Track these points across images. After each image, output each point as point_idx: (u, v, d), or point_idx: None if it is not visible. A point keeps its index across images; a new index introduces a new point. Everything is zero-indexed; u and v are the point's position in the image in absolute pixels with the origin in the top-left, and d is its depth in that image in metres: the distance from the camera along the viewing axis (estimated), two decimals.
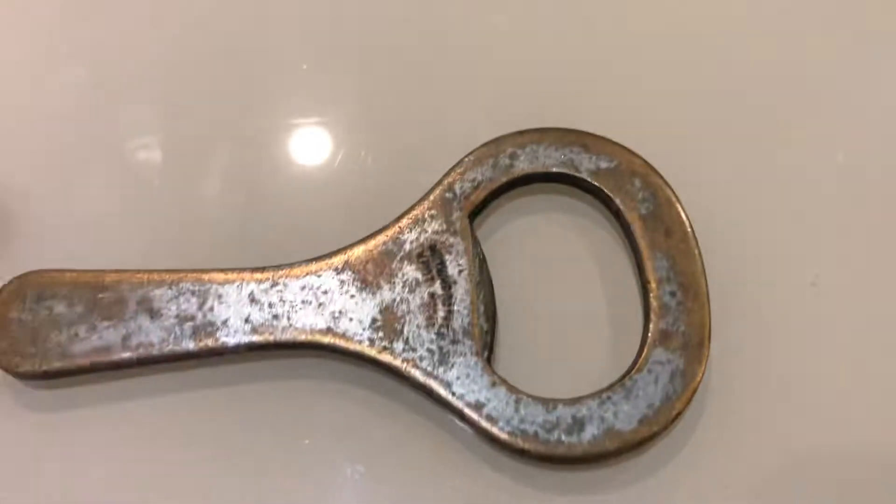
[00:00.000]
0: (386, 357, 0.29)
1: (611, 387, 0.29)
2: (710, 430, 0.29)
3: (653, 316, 0.30)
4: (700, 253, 0.30)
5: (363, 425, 0.30)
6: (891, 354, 0.31)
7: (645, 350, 0.29)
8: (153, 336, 0.29)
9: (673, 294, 0.30)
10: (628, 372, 0.29)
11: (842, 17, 0.34)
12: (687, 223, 0.31)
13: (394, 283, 0.30)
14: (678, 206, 0.31)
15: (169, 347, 0.29)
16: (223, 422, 0.30)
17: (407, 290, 0.30)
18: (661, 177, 0.31)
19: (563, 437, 0.28)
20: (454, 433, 0.30)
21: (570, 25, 0.35)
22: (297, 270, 0.30)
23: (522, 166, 0.31)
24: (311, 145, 0.33)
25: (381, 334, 0.30)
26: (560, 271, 0.31)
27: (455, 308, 0.30)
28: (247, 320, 0.30)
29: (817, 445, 0.29)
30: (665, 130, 0.33)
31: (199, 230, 0.32)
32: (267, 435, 0.30)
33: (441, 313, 0.30)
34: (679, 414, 0.29)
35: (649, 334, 0.29)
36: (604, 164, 0.31)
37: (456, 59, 0.34)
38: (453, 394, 0.29)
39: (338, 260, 0.31)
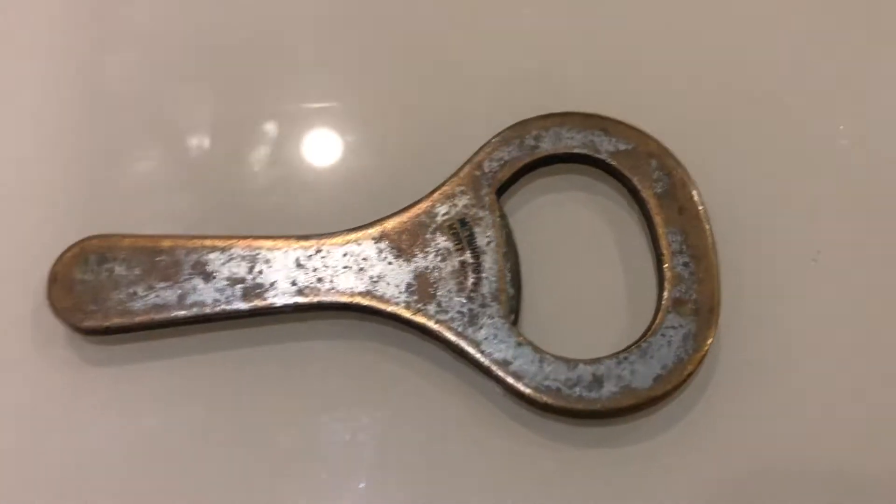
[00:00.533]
0: (420, 318, 0.32)
1: (628, 348, 0.31)
2: (720, 391, 0.32)
3: (667, 285, 0.32)
4: (711, 229, 0.33)
5: (397, 382, 0.32)
6: (886, 327, 0.33)
7: (659, 315, 0.32)
8: (206, 296, 0.32)
9: (686, 265, 0.32)
10: (644, 335, 0.32)
11: (847, 12, 0.37)
12: (699, 201, 0.33)
13: (427, 252, 0.33)
14: (691, 185, 0.33)
15: (221, 307, 0.32)
16: (269, 377, 0.32)
17: (439, 258, 0.33)
18: (676, 158, 0.34)
19: (584, 393, 0.31)
20: (482, 391, 0.32)
21: (593, 15, 0.37)
22: (338, 239, 0.33)
23: (546, 147, 0.34)
24: (348, 125, 0.36)
25: (415, 297, 0.32)
26: (580, 244, 0.34)
27: (484, 275, 0.32)
28: (293, 283, 0.32)
29: (818, 406, 0.32)
30: (680, 115, 0.35)
31: (246, 201, 0.35)
32: (309, 390, 0.32)
33: (471, 280, 0.32)
34: (690, 374, 0.31)
35: (663, 301, 0.32)
36: (622, 146, 0.34)
37: (484, 46, 0.37)
38: (482, 352, 0.31)
39: (375, 230, 0.33)
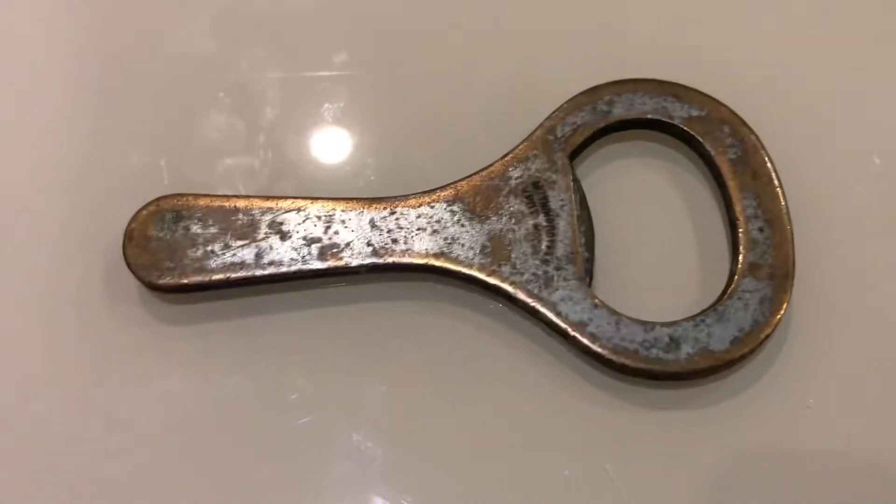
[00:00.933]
0: (495, 280, 0.32)
1: (704, 311, 0.31)
2: (794, 354, 0.32)
3: (742, 249, 0.32)
4: (784, 194, 0.33)
5: (472, 344, 0.32)
6: None
7: (736, 279, 0.32)
8: (283, 255, 0.32)
9: (761, 230, 0.32)
10: (720, 298, 0.32)
11: None
12: (772, 167, 0.33)
13: (501, 214, 0.33)
14: (763, 152, 0.33)
15: (297, 266, 0.32)
16: (344, 338, 0.32)
17: (513, 220, 0.33)
18: (748, 125, 0.34)
19: (661, 355, 0.31)
20: (557, 354, 0.32)
21: None
22: (412, 201, 0.33)
23: (619, 112, 0.34)
24: (421, 90, 0.36)
25: (490, 259, 0.32)
26: (652, 209, 0.34)
27: (558, 238, 0.32)
28: (369, 243, 0.32)
29: (891, 369, 0.32)
30: (752, 85, 0.35)
31: (318, 163, 0.35)
32: (383, 351, 0.32)
33: (545, 242, 0.32)
34: (767, 337, 0.31)
35: (738, 265, 0.32)
36: (695, 112, 0.34)
37: (557, 11, 0.37)
38: (559, 314, 0.31)
39: (449, 192, 0.33)
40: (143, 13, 0.36)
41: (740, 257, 0.32)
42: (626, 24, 0.36)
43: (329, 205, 0.33)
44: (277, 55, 0.36)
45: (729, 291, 0.32)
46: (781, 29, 0.36)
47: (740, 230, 0.32)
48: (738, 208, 0.33)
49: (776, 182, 0.33)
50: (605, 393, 0.32)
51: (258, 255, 0.32)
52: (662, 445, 0.31)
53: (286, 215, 0.32)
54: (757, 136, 0.34)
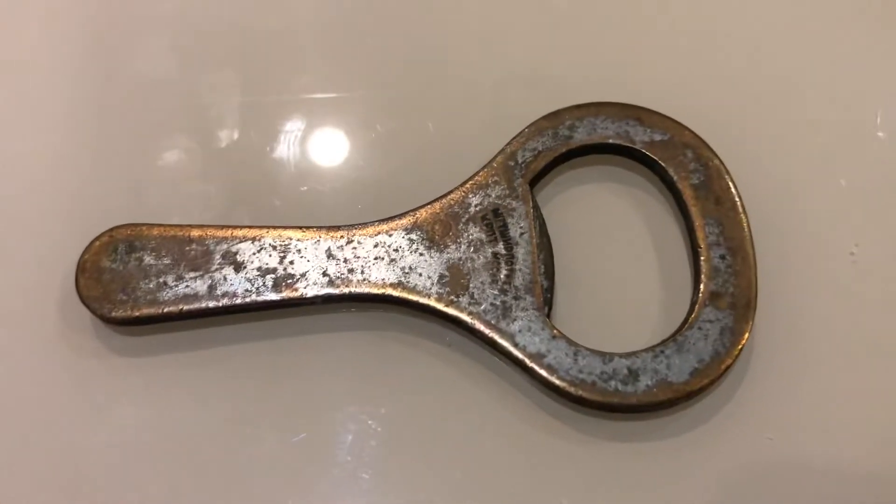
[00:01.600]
0: (453, 310, 0.31)
1: (664, 342, 0.31)
2: (756, 384, 0.31)
3: (703, 278, 0.32)
4: (748, 221, 0.32)
5: (430, 374, 0.32)
6: None
7: (696, 309, 0.31)
8: (237, 286, 0.31)
9: (723, 258, 0.32)
10: (680, 328, 0.31)
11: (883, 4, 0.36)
12: (735, 193, 0.32)
13: (459, 242, 0.32)
14: (727, 176, 0.33)
15: (252, 297, 0.31)
16: (299, 368, 0.32)
17: (472, 249, 0.32)
18: (711, 149, 0.33)
19: (619, 387, 0.30)
20: (515, 384, 0.32)
21: (624, 8, 0.37)
22: (369, 230, 0.32)
23: (580, 137, 0.33)
24: (378, 115, 0.35)
25: (448, 289, 0.32)
26: (614, 236, 0.33)
27: (517, 267, 0.32)
28: (324, 273, 0.32)
29: (855, 399, 0.31)
30: (715, 108, 0.34)
31: (274, 191, 0.34)
32: (339, 381, 0.32)
33: (504, 271, 0.32)
34: (727, 368, 0.31)
35: (700, 294, 0.31)
36: (657, 137, 0.33)
37: (516, 38, 0.36)
38: (516, 345, 0.31)
39: (407, 220, 0.33)
40: (97, 33, 0.36)
41: (701, 286, 0.32)
42: (589, 48, 0.36)
43: (285, 233, 0.32)
44: (236, 79, 0.35)
45: (689, 321, 0.31)
46: (746, 52, 0.36)
47: (702, 258, 0.32)
48: (700, 235, 0.32)
49: (740, 208, 0.32)
50: (564, 424, 0.31)
51: (211, 287, 0.31)
52: (622, 477, 0.31)
53: (241, 245, 0.32)
54: (721, 161, 0.33)
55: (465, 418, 0.32)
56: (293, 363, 0.32)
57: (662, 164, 0.33)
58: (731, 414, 0.31)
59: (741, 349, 0.31)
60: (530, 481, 0.31)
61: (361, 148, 0.35)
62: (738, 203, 0.32)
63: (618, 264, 0.33)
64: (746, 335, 0.31)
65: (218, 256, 0.32)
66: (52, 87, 0.35)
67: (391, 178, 0.34)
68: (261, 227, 0.32)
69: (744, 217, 0.32)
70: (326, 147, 0.35)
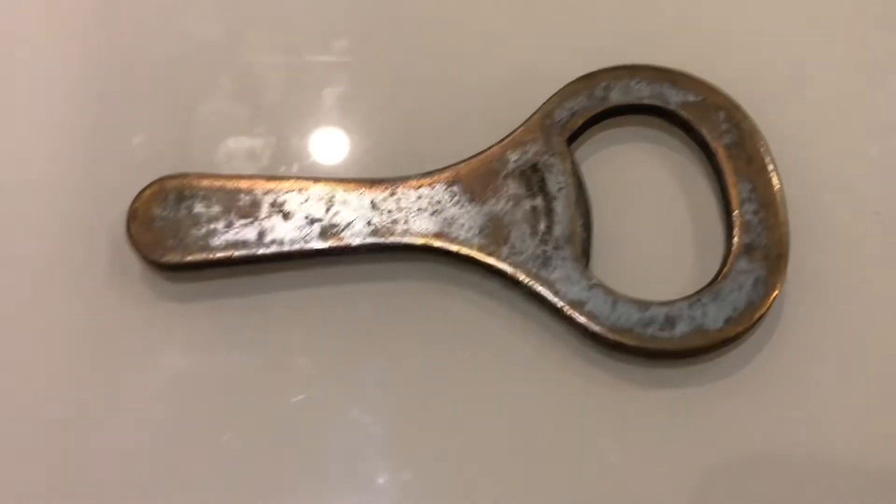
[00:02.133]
0: (493, 260, 0.32)
1: (699, 291, 0.32)
2: (789, 333, 0.32)
3: (736, 231, 0.33)
4: (780, 178, 0.33)
5: (470, 323, 0.33)
6: None
7: (730, 260, 0.32)
8: (285, 234, 0.32)
9: (755, 213, 0.33)
10: (715, 279, 0.32)
11: None
12: (766, 152, 0.33)
13: (499, 196, 0.33)
14: (759, 136, 0.34)
15: (299, 245, 0.32)
16: (344, 315, 0.33)
17: (511, 203, 0.33)
18: (743, 111, 0.34)
19: (657, 333, 0.31)
20: (554, 333, 0.33)
21: None
22: (412, 182, 0.33)
23: (615, 97, 0.34)
24: (422, 76, 0.36)
25: (488, 240, 0.33)
26: (648, 193, 0.34)
27: (556, 220, 0.33)
28: (369, 223, 0.32)
29: (882, 349, 0.32)
30: (748, 69, 0.36)
31: (319, 144, 0.35)
32: (382, 330, 0.33)
33: (543, 224, 0.33)
34: (761, 317, 0.32)
35: (733, 247, 0.32)
36: (691, 98, 0.34)
37: (552, 4, 0.37)
38: (556, 293, 0.32)
39: (448, 174, 0.34)
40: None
41: (735, 239, 0.33)
42: (624, 10, 0.37)
43: (330, 185, 0.33)
44: (281, 39, 0.37)
45: (724, 272, 0.32)
46: (779, 14, 0.37)
47: (734, 213, 0.33)
48: (732, 192, 0.33)
49: (771, 167, 0.33)
50: (602, 371, 0.32)
51: (261, 234, 0.32)
52: (657, 423, 0.32)
53: (288, 195, 0.33)
54: (752, 122, 0.34)
55: (505, 366, 0.32)
56: (338, 311, 0.33)
57: (695, 125, 0.34)
58: (764, 362, 0.32)
59: (774, 299, 0.32)
60: (567, 426, 0.32)
61: (402, 107, 0.36)
62: (770, 162, 0.33)
63: (652, 219, 0.34)
64: (779, 286, 0.32)
65: (266, 205, 0.33)
66: (102, 45, 0.36)
67: (432, 135, 0.35)
68: (307, 179, 0.33)
69: (775, 175, 0.33)
70: (367, 106, 0.36)
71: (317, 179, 0.33)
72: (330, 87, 0.36)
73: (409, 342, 0.33)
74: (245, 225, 0.32)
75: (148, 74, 0.36)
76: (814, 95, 0.36)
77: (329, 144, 0.36)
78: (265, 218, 0.32)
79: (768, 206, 0.33)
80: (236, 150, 0.35)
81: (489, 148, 0.34)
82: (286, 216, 0.32)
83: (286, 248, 0.32)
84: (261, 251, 0.32)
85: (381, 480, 0.32)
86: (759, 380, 0.32)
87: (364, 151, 0.35)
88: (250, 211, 0.32)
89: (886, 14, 0.37)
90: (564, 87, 0.35)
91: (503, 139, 0.34)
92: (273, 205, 0.33)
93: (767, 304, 0.32)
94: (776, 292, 0.32)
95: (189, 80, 0.36)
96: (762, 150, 0.34)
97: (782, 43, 0.36)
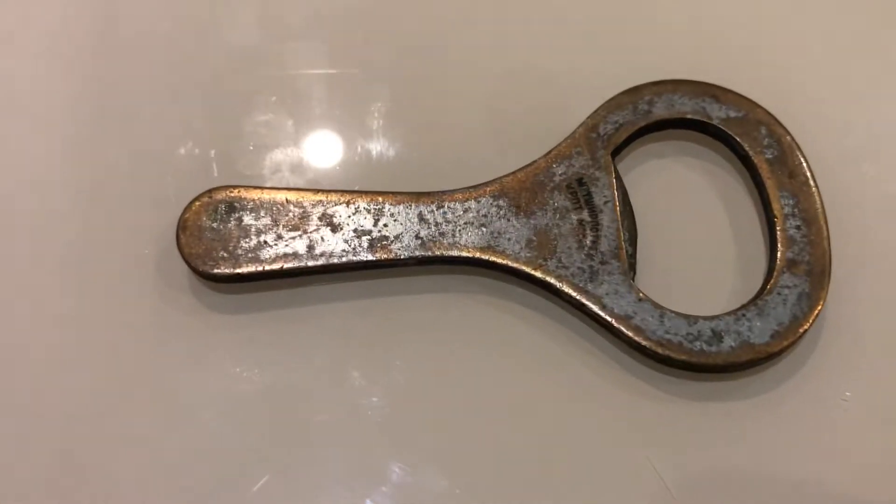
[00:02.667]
0: (541, 273, 0.33)
1: (745, 306, 0.32)
2: (831, 347, 0.33)
3: (780, 246, 0.33)
4: (820, 194, 0.34)
5: (518, 335, 0.33)
6: None
7: (775, 275, 0.33)
8: (335, 247, 0.32)
9: (798, 228, 0.33)
10: (760, 293, 0.33)
11: None
12: (807, 168, 0.34)
13: (545, 209, 0.34)
14: (799, 152, 0.34)
15: (349, 257, 0.32)
16: (393, 327, 0.33)
17: (558, 216, 0.33)
18: (784, 126, 0.35)
19: (704, 347, 0.32)
20: (599, 346, 0.33)
21: None
22: (459, 196, 0.34)
23: (659, 112, 0.35)
24: (469, 89, 0.36)
25: (536, 253, 0.33)
26: (692, 207, 0.35)
27: (602, 233, 0.33)
28: (417, 236, 0.33)
29: None
30: (788, 86, 0.36)
31: (366, 157, 0.36)
32: (432, 341, 0.33)
33: (589, 237, 0.33)
34: (805, 331, 0.32)
35: (777, 261, 0.33)
36: (733, 114, 0.35)
37: (601, 16, 0.38)
38: (604, 307, 0.32)
39: (494, 188, 0.34)
40: (193, 5, 0.37)
41: (779, 254, 0.33)
42: (666, 25, 0.37)
43: (378, 198, 0.33)
44: (324, 51, 0.37)
45: (768, 287, 0.33)
46: (819, 32, 0.37)
47: (778, 228, 0.33)
48: (775, 206, 0.34)
49: (812, 182, 0.34)
50: (648, 384, 0.32)
51: (310, 247, 0.32)
52: (703, 435, 0.32)
53: (336, 208, 0.33)
54: (793, 137, 0.34)
55: (553, 379, 0.33)
56: (386, 322, 0.33)
57: (738, 140, 0.35)
58: (808, 376, 0.32)
59: (818, 314, 0.32)
60: (615, 438, 0.32)
61: (447, 121, 0.36)
62: (811, 177, 0.34)
63: (696, 233, 0.34)
64: (822, 301, 0.32)
65: (315, 218, 0.33)
66: (152, 58, 0.36)
67: (478, 149, 0.36)
68: (354, 192, 0.33)
69: (816, 190, 0.34)
70: (413, 119, 0.36)
71: (364, 192, 0.33)
72: (375, 101, 0.36)
73: (457, 354, 0.33)
74: (294, 237, 0.32)
75: (194, 86, 0.36)
76: (853, 110, 0.36)
77: (375, 157, 0.36)
78: (314, 230, 0.33)
79: (810, 222, 0.33)
80: (282, 162, 0.35)
81: (535, 161, 0.34)
82: (335, 228, 0.33)
83: (335, 261, 0.32)
84: (310, 263, 0.32)
85: (433, 490, 0.32)
86: (803, 393, 0.32)
87: (409, 164, 0.35)
88: (299, 223, 0.33)
89: None
90: (609, 100, 0.35)
91: (549, 152, 0.34)
92: (322, 217, 0.33)
93: (811, 319, 0.32)
94: (820, 307, 0.32)
95: (236, 92, 0.36)
96: (803, 164, 0.34)
97: (823, 59, 0.37)
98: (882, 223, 0.35)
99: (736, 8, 0.38)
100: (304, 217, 0.33)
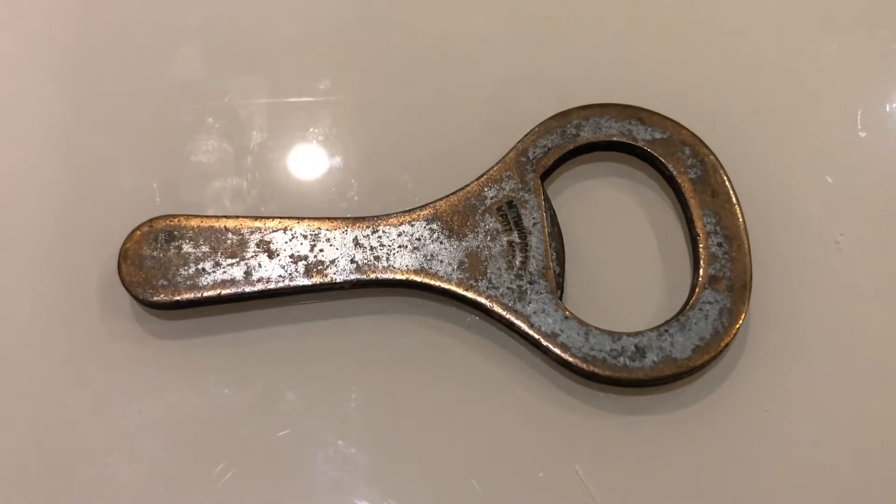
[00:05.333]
0: (472, 294, 0.34)
1: (668, 322, 0.34)
2: (752, 362, 0.34)
3: (702, 263, 0.34)
4: (742, 211, 0.35)
5: (451, 354, 0.34)
6: None
7: (696, 291, 0.34)
8: (271, 272, 0.34)
9: (720, 245, 0.34)
10: (682, 310, 0.34)
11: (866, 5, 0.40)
12: (730, 186, 0.35)
13: (477, 232, 0.35)
14: (722, 171, 0.35)
15: (285, 282, 0.33)
16: (329, 349, 0.34)
17: (489, 238, 0.35)
18: (707, 147, 0.36)
19: (628, 363, 0.33)
20: (529, 362, 0.34)
21: (625, 12, 0.40)
22: (393, 220, 0.35)
23: (587, 135, 0.36)
24: (401, 116, 0.38)
25: (467, 274, 0.34)
26: (619, 227, 0.36)
27: (531, 254, 0.34)
28: (352, 260, 0.34)
29: (843, 376, 0.34)
30: (711, 108, 0.37)
31: (301, 184, 0.37)
32: (367, 361, 0.34)
33: (518, 258, 0.34)
34: (726, 345, 0.33)
35: (699, 278, 0.34)
36: (657, 135, 0.36)
37: (529, 44, 0.39)
38: (532, 325, 0.33)
39: (428, 212, 0.35)
40: (135, 40, 0.38)
41: (701, 271, 0.34)
42: (593, 51, 0.39)
43: (314, 224, 0.34)
44: (264, 81, 0.38)
45: (690, 303, 0.34)
46: (739, 54, 0.39)
47: (700, 245, 0.35)
48: (698, 225, 0.35)
49: (734, 200, 0.35)
50: (575, 399, 0.34)
51: (247, 273, 0.33)
52: (629, 448, 0.33)
53: (273, 234, 0.34)
54: (716, 157, 0.36)
55: (484, 395, 0.34)
56: (323, 345, 0.34)
57: (662, 160, 0.36)
58: (730, 390, 0.34)
59: (738, 328, 0.33)
60: (544, 451, 0.33)
61: (382, 146, 0.37)
62: (733, 195, 0.35)
63: (622, 252, 0.36)
64: (743, 315, 0.34)
65: (252, 245, 0.34)
66: (93, 89, 0.37)
67: (411, 173, 0.37)
68: (291, 218, 0.34)
69: (738, 208, 0.35)
70: (349, 146, 0.37)
71: (301, 218, 0.35)
72: (313, 127, 0.37)
73: (392, 373, 0.34)
74: (232, 264, 0.34)
75: (136, 117, 0.37)
76: (773, 129, 0.38)
77: (313, 183, 0.37)
78: (251, 257, 0.34)
79: (732, 239, 0.35)
80: (223, 189, 0.36)
81: (467, 185, 0.35)
82: (272, 255, 0.34)
83: (272, 286, 0.33)
84: (248, 289, 0.33)
85: None
86: (724, 407, 0.33)
87: (347, 189, 0.37)
88: (237, 250, 0.34)
89: (842, 50, 0.39)
90: (538, 125, 0.36)
91: (480, 176, 0.36)
92: (259, 244, 0.34)
93: (732, 334, 0.33)
94: (740, 322, 0.33)
95: (176, 124, 0.37)
96: (726, 183, 0.35)
97: (742, 81, 0.38)
98: (802, 240, 0.36)
99: (663, 32, 0.39)
100: (242, 244, 0.34)
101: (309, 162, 0.37)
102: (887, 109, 0.38)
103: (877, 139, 0.37)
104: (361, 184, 0.37)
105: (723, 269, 0.34)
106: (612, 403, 0.34)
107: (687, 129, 0.36)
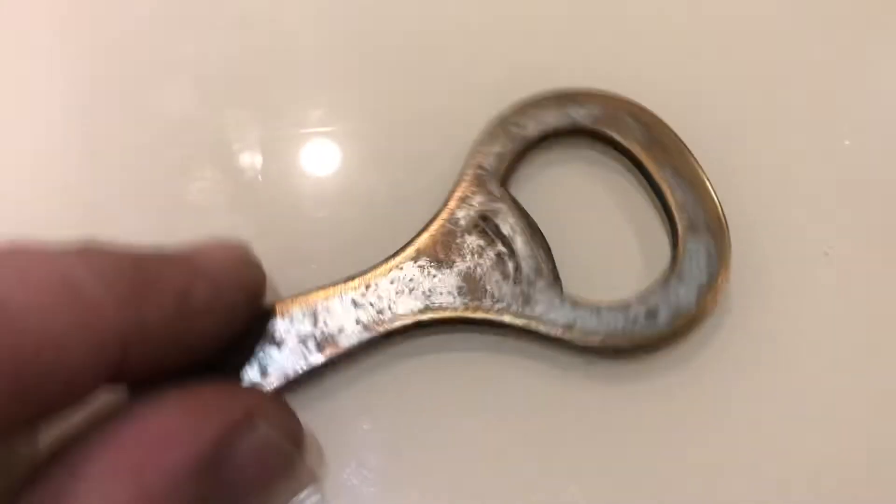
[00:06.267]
0: (481, 314, 0.34)
1: (665, 278, 0.35)
2: (734, 375, 0.35)
3: (675, 214, 0.36)
4: (695, 157, 0.37)
5: (473, 383, 0.35)
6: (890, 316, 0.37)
7: (679, 242, 0.35)
8: (285, 361, 0.33)
9: (685, 192, 0.36)
10: (673, 264, 0.35)
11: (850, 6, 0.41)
12: (679, 139, 0.37)
13: (463, 254, 0.35)
14: (665, 126, 0.37)
15: (301, 365, 0.33)
16: (357, 426, 0.34)
17: (476, 256, 0.35)
18: (647, 109, 0.37)
19: (644, 328, 0.34)
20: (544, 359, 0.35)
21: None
22: (381, 270, 0.35)
23: (531, 131, 0.37)
24: (383, 143, 0.38)
25: (469, 297, 0.35)
26: (586, 206, 0.37)
27: (520, 259, 0.35)
28: (357, 322, 0.34)
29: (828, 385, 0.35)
30: (698, 115, 0.38)
31: (294, 218, 0.37)
32: (386, 413, 0.34)
33: (511, 266, 0.35)
34: (725, 284, 0.35)
35: (678, 229, 0.36)
36: (597, 112, 0.37)
37: (448, 50, 0.40)
38: (546, 323, 0.34)
39: (411, 251, 0.35)
40: (127, 80, 0.38)
41: (677, 222, 0.36)
42: (514, 44, 0.40)
43: (309, 298, 0.34)
44: (255, 115, 0.38)
45: (678, 254, 0.35)
46: (718, 55, 0.40)
47: (669, 200, 0.36)
48: (659, 179, 0.36)
49: (686, 150, 0.37)
50: (597, 381, 0.35)
51: (262, 370, 0.33)
52: (664, 411, 0.35)
53: (274, 322, 0.34)
54: (657, 116, 0.37)
55: (503, 405, 0.35)
56: (353, 421, 0.34)
57: (608, 133, 0.37)
58: (710, 360, 0.35)
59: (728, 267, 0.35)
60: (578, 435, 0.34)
61: (371, 173, 0.38)
62: (683, 145, 0.37)
63: (597, 229, 0.37)
64: (729, 252, 0.35)
65: (257, 339, 0.33)
66: (85, 126, 0.37)
67: (403, 199, 0.37)
68: (285, 301, 0.34)
69: (691, 156, 0.37)
70: (339, 175, 0.38)
71: (294, 298, 0.34)
72: (303, 160, 0.38)
73: (412, 420, 0.34)
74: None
75: (125, 155, 0.37)
76: (761, 139, 0.39)
77: (305, 216, 0.37)
78: (260, 351, 0.33)
79: (693, 183, 0.36)
80: (218, 225, 0.36)
81: (437, 213, 0.36)
82: (279, 344, 0.33)
83: (290, 374, 0.33)
84: (268, 387, 0.33)
85: None
86: (731, 352, 0.36)
87: (338, 219, 0.37)
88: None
89: (828, 54, 0.40)
90: (481, 133, 0.37)
91: (447, 199, 0.36)
92: (264, 336, 0.33)
93: (727, 275, 0.35)
94: (729, 258, 0.35)
95: (168, 160, 0.37)
96: (673, 136, 0.37)
97: (726, 84, 0.40)
98: (792, 250, 0.37)
99: (629, 23, 0.41)
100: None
101: (302, 194, 0.37)
102: (874, 117, 0.40)
103: (863, 145, 0.39)
104: (351, 213, 0.37)
105: (695, 212, 0.36)
106: (625, 373, 0.35)
107: (623, 98, 0.38)
